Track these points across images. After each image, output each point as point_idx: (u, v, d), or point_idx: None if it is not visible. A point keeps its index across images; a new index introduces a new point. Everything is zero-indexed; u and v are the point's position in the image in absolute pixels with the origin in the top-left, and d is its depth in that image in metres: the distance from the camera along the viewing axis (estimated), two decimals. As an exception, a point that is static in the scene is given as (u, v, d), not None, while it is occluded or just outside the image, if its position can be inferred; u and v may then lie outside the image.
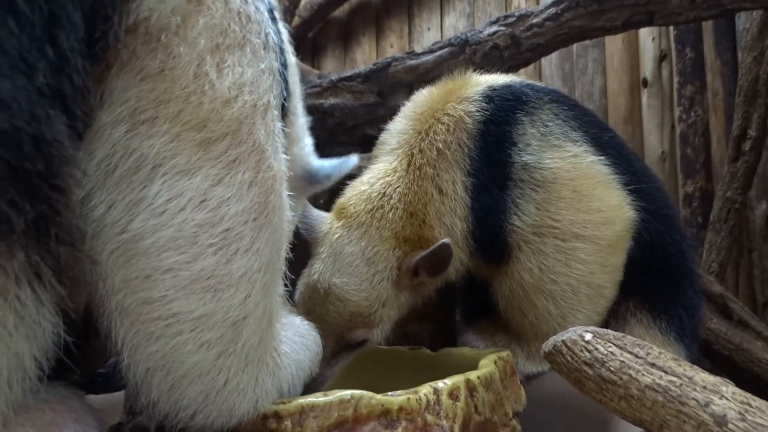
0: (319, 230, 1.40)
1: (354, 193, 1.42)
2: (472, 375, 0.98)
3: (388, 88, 2.25)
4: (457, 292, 1.70)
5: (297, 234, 1.31)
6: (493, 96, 1.44)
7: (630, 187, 1.46)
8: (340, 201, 1.43)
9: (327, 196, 1.96)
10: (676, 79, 2.98)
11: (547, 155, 1.39)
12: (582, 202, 1.40)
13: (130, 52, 0.73)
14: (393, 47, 3.56)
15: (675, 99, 2.99)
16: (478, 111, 1.42)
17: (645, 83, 3.10)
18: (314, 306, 1.33)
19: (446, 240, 1.30)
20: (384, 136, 1.54)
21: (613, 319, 1.51)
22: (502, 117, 1.41)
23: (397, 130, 1.50)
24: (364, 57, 3.59)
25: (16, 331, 0.64)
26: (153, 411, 0.76)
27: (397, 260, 1.34)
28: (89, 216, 0.72)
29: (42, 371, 0.68)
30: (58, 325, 0.68)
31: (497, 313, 1.48)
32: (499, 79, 1.56)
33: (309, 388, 1.10)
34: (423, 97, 1.54)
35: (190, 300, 0.74)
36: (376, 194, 1.39)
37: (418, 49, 2.41)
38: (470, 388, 0.95)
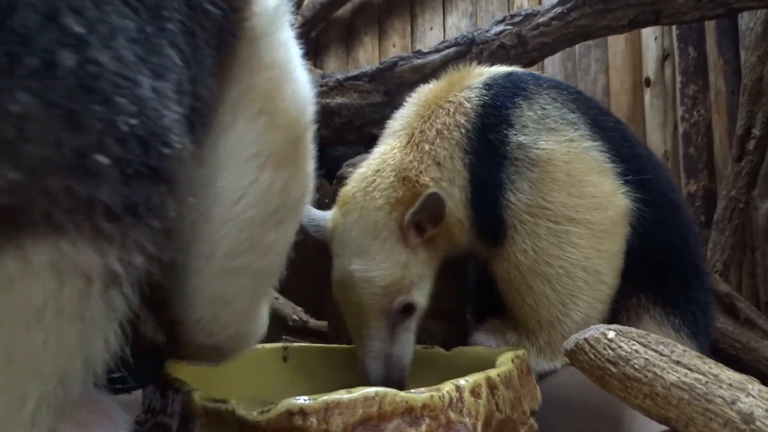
0: (326, 228, 1.46)
1: (353, 178, 1.48)
2: (492, 373, 0.97)
3: (395, 87, 2.25)
4: (467, 291, 1.70)
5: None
6: (493, 84, 1.50)
7: (627, 177, 1.47)
8: (342, 191, 1.48)
9: (331, 196, 1.96)
10: (678, 79, 2.99)
11: (542, 137, 1.43)
12: (574, 186, 1.42)
13: (243, 57, 0.89)
14: (395, 47, 3.56)
15: (678, 98, 2.99)
16: (477, 97, 1.47)
17: (648, 82, 3.10)
18: (349, 297, 1.37)
19: (432, 189, 1.34)
20: (390, 122, 1.59)
21: (624, 313, 1.52)
22: (500, 101, 1.46)
23: (401, 115, 1.56)
24: (367, 56, 3.59)
25: (98, 325, 0.64)
26: (207, 327, 0.93)
27: (396, 222, 1.37)
28: (207, 190, 0.88)
29: (104, 371, 0.69)
30: (126, 325, 0.68)
31: (507, 310, 1.48)
32: (501, 69, 1.60)
33: (390, 371, 1.27)
34: (428, 87, 1.60)
35: (268, 258, 0.97)
36: (371, 172, 1.44)
37: (420, 48, 2.41)
38: (491, 385, 0.95)
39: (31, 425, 0.61)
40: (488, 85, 1.49)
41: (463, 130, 1.43)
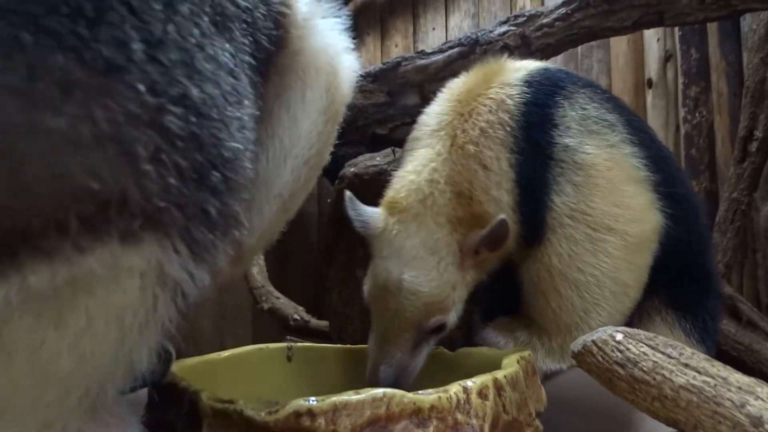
0: (375, 227, 1.41)
1: (403, 184, 1.44)
2: (499, 374, 0.97)
3: (398, 87, 2.25)
4: (474, 291, 1.70)
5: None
6: (532, 81, 1.48)
7: (660, 188, 1.48)
8: (390, 195, 1.45)
9: (335, 196, 1.96)
10: (680, 80, 2.98)
11: (586, 140, 1.42)
12: (615, 195, 1.42)
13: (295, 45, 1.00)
14: (398, 47, 3.56)
15: (680, 100, 2.99)
16: (519, 95, 1.45)
17: (650, 84, 3.10)
18: (388, 303, 1.34)
19: (503, 216, 1.32)
20: (422, 119, 1.56)
21: (636, 315, 1.52)
22: (542, 99, 1.45)
23: (436, 112, 1.52)
24: (369, 56, 3.58)
25: (151, 335, 0.65)
26: (246, 258, 1.10)
27: (457, 243, 1.36)
28: (284, 141, 1.01)
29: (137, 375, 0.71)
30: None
31: (518, 308, 1.48)
32: (535, 64, 1.60)
33: (398, 379, 1.26)
34: (460, 82, 1.57)
35: (304, 197, 1.13)
36: (424, 182, 1.40)
37: (423, 48, 2.41)
38: (498, 387, 0.95)
39: (67, 420, 0.63)
40: (528, 82, 1.48)
41: (507, 128, 1.41)
